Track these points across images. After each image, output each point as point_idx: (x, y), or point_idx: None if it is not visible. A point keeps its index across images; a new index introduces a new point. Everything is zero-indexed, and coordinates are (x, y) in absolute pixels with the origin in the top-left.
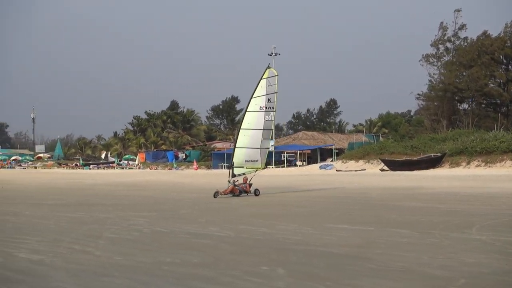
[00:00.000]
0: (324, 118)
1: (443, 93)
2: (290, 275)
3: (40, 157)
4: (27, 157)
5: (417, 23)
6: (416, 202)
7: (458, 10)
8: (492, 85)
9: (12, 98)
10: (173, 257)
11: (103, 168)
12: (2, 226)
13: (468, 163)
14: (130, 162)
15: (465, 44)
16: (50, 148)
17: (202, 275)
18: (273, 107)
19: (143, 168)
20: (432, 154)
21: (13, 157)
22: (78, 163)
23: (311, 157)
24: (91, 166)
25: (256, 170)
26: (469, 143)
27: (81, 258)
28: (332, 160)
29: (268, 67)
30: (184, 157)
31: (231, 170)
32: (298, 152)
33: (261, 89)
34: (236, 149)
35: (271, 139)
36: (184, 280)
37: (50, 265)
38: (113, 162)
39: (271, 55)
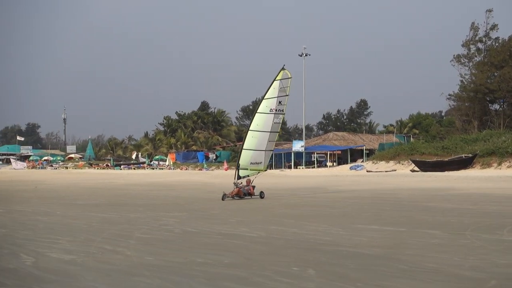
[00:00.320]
0: (354, 119)
1: (474, 94)
2: (320, 276)
3: (71, 158)
4: (58, 158)
5: (449, 23)
6: (447, 203)
7: (490, 10)
8: None
9: (44, 99)
10: (204, 257)
11: (134, 169)
12: (34, 226)
13: (500, 164)
14: (161, 163)
15: (497, 44)
16: (81, 148)
17: (234, 275)
18: (282, 110)
19: (173, 169)
20: (463, 155)
21: (45, 158)
22: (109, 164)
23: (342, 158)
24: (121, 166)
25: (259, 172)
26: (501, 143)
27: (112, 258)
28: (362, 161)
29: (283, 69)
30: (214, 157)
31: (236, 172)
32: (329, 152)
33: (274, 90)
34: (243, 150)
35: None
36: (215, 281)
37: (82, 265)
38: (143, 163)
39: (301, 56)
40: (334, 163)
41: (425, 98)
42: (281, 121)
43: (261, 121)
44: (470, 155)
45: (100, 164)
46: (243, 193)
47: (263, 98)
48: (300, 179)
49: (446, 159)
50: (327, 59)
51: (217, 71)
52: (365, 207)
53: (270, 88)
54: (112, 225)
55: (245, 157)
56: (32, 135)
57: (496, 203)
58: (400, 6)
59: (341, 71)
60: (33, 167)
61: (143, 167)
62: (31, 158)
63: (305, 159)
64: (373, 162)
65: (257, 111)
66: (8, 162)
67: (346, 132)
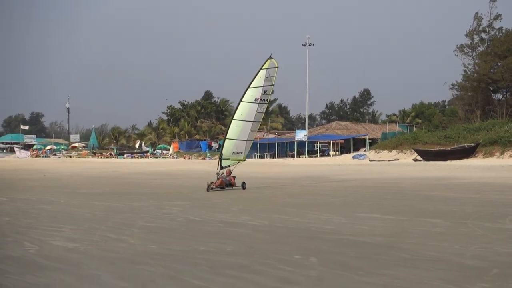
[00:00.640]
0: (357, 108)
1: (477, 84)
2: (322, 264)
3: (75, 147)
4: (62, 147)
5: (452, 13)
6: (449, 192)
7: (493, 1)
8: None
9: (48, 88)
10: (207, 246)
11: (137, 158)
12: (37, 215)
13: (502, 153)
14: (164, 152)
15: (500, 34)
16: (84, 137)
17: (236, 264)
18: (267, 100)
19: (176, 158)
20: (465, 144)
21: (48, 147)
22: (112, 153)
23: (344, 147)
24: (125, 155)
25: (238, 162)
26: (503, 133)
27: (115, 246)
28: (365, 150)
29: (270, 58)
30: (217, 146)
31: (219, 162)
32: (331, 142)
33: (260, 79)
34: (226, 140)
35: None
36: (218, 269)
37: (85, 253)
38: (147, 152)
39: (305, 46)
40: (337, 152)
41: (428, 87)
42: (264, 111)
43: (245, 111)
44: (472, 144)
45: (103, 153)
46: (225, 183)
47: (248, 87)
48: (302, 168)
49: (449, 149)
50: (331, 48)
51: (220, 60)
52: (367, 196)
53: (256, 77)
54: (115, 214)
55: (227, 146)
56: (36, 124)
57: (498, 192)
58: None
59: (345, 61)
60: (36, 156)
61: (146, 156)
62: (34, 147)
63: (308, 148)
64: (376, 152)
65: (242, 100)
66: (12, 151)
67: (349, 122)
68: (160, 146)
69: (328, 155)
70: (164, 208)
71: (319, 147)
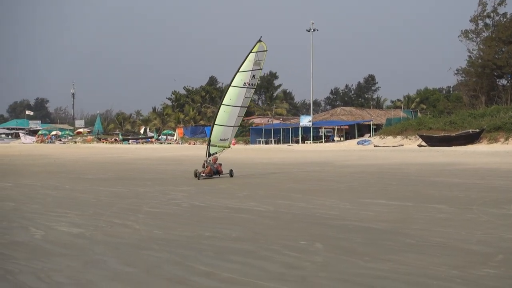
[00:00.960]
0: (362, 94)
1: (482, 69)
2: (327, 250)
3: (80, 132)
4: (67, 132)
5: None
6: (454, 178)
7: None
8: None
9: (53, 74)
10: (212, 231)
11: (142, 143)
12: (43, 200)
13: (507, 139)
14: (169, 137)
15: (505, 20)
16: (89, 123)
17: (241, 249)
18: (254, 84)
19: (181, 143)
20: (470, 130)
21: (53, 132)
22: (117, 138)
23: (349, 133)
24: (130, 141)
25: (224, 149)
26: (508, 119)
27: (121, 232)
28: (370, 136)
29: (259, 41)
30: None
31: (208, 149)
32: (336, 127)
33: (249, 63)
34: (215, 126)
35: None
36: (223, 254)
37: (90, 238)
38: (152, 137)
39: (309, 31)
40: (342, 138)
41: (433, 73)
42: (251, 96)
43: (234, 95)
44: (477, 130)
45: (108, 139)
46: (213, 171)
47: (238, 71)
48: (307, 153)
49: (454, 134)
50: (335, 34)
51: (225, 45)
52: (372, 181)
53: (246, 61)
54: (120, 199)
55: (216, 133)
56: (41, 110)
57: (503, 178)
58: None
59: (349, 46)
60: (42, 142)
61: (151, 142)
62: (40, 132)
63: (312, 134)
64: (381, 137)
65: (231, 85)
66: (17, 136)
67: (353, 107)
68: (165, 131)
69: (333, 140)
70: (169, 194)
71: (324, 133)
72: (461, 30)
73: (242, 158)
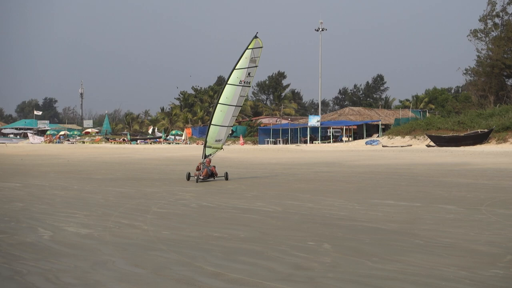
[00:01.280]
0: (370, 94)
1: (490, 69)
2: (336, 251)
3: (88, 132)
4: (75, 132)
5: None
6: (463, 178)
7: None
8: None
9: (61, 74)
10: (220, 232)
11: (150, 143)
12: (51, 200)
13: None
14: (177, 137)
15: None
16: (98, 123)
17: (250, 250)
18: (249, 83)
19: (189, 143)
20: (479, 130)
21: (62, 132)
22: (125, 138)
23: (357, 133)
24: (138, 141)
25: (217, 151)
26: None
27: (129, 232)
28: (378, 136)
29: (255, 37)
30: (230, 132)
31: (204, 150)
32: (344, 127)
33: (245, 60)
34: (211, 126)
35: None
36: (231, 255)
37: (99, 239)
38: (160, 137)
39: (318, 30)
40: (350, 138)
41: (441, 73)
42: (246, 95)
43: (231, 94)
44: (486, 130)
45: (116, 139)
46: (208, 174)
47: (234, 68)
48: (315, 154)
49: (462, 134)
50: (344, 34)
51: (233, 45)
52: (381, 182)
53: (242, 58)
54: (128, 200)
55: (212, 133)
56: (49, 110)
57: None
58: None
59: (358, 46)
60: (50, 142)
61: (159, 142)
62: (48, 132)
63: (321, 134)
64: (389, 137)
65: (228, 83)
66: (25, 136)
67: (362, 107)
68: (173, 131)
69: (341, 141)
70: (177, 194)
71: (332, 133)
72: (470, 30)
73: (250, 158)
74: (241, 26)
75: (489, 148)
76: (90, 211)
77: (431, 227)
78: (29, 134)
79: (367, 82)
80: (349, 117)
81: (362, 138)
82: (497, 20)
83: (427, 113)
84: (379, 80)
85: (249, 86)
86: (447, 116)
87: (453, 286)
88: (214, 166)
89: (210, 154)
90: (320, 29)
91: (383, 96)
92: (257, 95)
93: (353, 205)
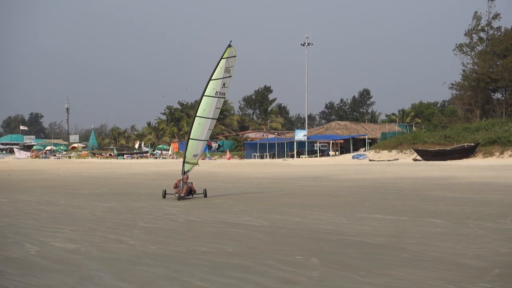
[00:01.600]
0: (357, 108)
1: (476, 83)
2: (323, 265)
3: (75, 147)
4: (62, 147)
5: (451, 12)
6: (449, 192)
7: (492, 0)
8: None
9: (47, 89)
10: (207, 246)
11: (137, 158)
12: (37, 216)
13: (502, 153)
14: (164, 152)
15: (499, 33)
16: (84, 138)
17: (237, 264)
18: (224, 94)
19: (176, 158)
20: (465, 144)
21: (48, 147)
22: (112, 153)
23: (344, 147)
24: (124, 156)
25: (193, 166)
26: (502, 133)
27: (116, 247)
28: (365, 150)
29: (229, 46)
30: (217, 147)
31: (183, 166)
32: (331, 142)
33: (220, 70)
34: (190, 140)
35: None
36: (218, 269)
37: (86, 254)
38: (146, 152)
39: (304, 45)
40: (337, 152)
41: (428, 87)
42: (221, 106)
43: (208, 106)
44: (472, 144)
45: (103, 154)
46: (187, 191)
47: (210, 78)
48: (302, 168)
49: (449, 148)
50: (330, 48)
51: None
52: (368, 196)
53: (217, 68)
54: (115, 215)
55: (190, 148)
56: (35, 125)
57: (499, 192)
58: None
59: (344, 61)
60: (36, 157)
61: (146, 157)
62: (34, 147)
63: (307, 148)
64: (376, 151)
65: (204, 94)
66: (11, 151)
67: (348, 122)
68: (159, 146)
69: (328, 155)
70: (164, 209)
71: (319, 147)
72: (456, 44)
73: (237, 172)
74: (227, 40)
75: (476, 162)
76: (77, 226)
77: (418, 241)
78: (15, 150)
79: (354, 97)
80: (335, 131)
81: (349, 152)
82: (482, 34)
83: (414, 127)
84: (365, 94)
85: (224, 98)
86: (434, 130)
87: None
88: (192, 183)
89: (188, 170)
90: (306, 44)
91: (370, 110)
92: (243, 109)
93: (340, 219)
